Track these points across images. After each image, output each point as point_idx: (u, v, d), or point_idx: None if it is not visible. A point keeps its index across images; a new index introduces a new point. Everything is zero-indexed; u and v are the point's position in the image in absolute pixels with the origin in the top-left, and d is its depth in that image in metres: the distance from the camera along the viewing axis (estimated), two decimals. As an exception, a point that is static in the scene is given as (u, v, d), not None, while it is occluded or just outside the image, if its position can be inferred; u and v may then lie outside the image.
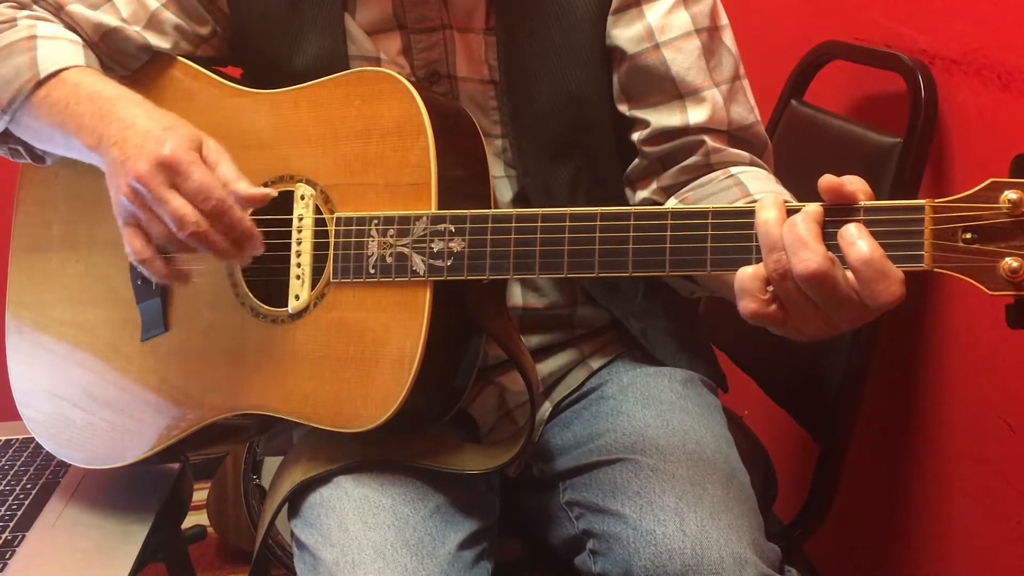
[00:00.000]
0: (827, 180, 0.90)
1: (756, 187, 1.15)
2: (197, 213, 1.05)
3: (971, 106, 1.48)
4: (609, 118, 1.24)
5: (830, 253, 0.88)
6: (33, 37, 1.19)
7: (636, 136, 1.23)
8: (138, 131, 1.09)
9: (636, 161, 1.24)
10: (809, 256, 0.87)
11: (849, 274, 0.88)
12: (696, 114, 1.20)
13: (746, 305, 0.92)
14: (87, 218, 1.29)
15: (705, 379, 1.33)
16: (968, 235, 0.87)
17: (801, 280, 0.88)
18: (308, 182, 1.15)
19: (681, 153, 1.21)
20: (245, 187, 1.07)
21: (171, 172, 1.05)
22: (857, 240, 0.87)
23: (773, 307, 0.91)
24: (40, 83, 1.17)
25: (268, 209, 1.16)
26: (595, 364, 1.32)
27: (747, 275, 0.91)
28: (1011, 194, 0.85)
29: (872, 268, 0.87)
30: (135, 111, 1.12)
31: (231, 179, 1.07)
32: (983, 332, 1.49)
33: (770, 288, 0.91)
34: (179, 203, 1.05)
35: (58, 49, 1.19)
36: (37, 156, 1.27)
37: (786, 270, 0.88)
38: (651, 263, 0.98)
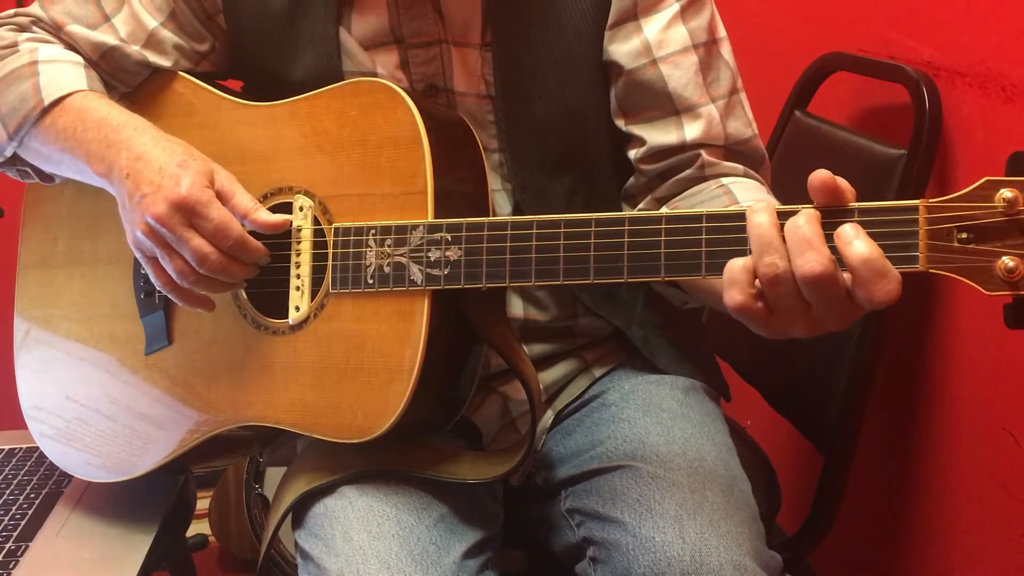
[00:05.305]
0: (820, 176, 0.88)
1: (745, 196, 1.15)
2: (216, 251, 1.07)
3: (975, 118, 1.48)
4: (606, 132, 1.24)
5: (832, 254, 0.86)
6: (35, 63, 1.20)
7: (632, 154, 1.23)
8: (151, 165, 1.10)
9: (633, 179, 1.25)
10: (814, 258, 0.85)
11: (846, 274, 0.87)
12: (692, 130, 1.20)
13: (733, 296, 0.90)
14: (90, 234, 1.30)
15: (707, 388, 1.33)
16: (964, 235, 0.85)
17: (804, 282, 0.86)
18: (306, 193, 1.15)
19: (677, 167, 1.21)
20: (266, 216, 1.11)
21: (188, 212, 1.07)
22: (855, 240, 0.86)
23: (759, 304, 0.90)
24: (45, 110, 1.18)
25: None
26: (597, 372, 1.32)
27: (737, 267, 0.89)
28: (1006, 192, 0.83)
29: (871, 268, 0.85)
30: (142, 139, 1.13)
31: (250, 209, 1.10)
32: (987, 343, 1.48)
33: (757, 284, 0.89)
34: (199, 242, 1.07)
35: (61, 73, 1.20)
36: (46, 176, 1.28)
37: (778, 274, 0.87)
38: (647, 268, 0.97)
